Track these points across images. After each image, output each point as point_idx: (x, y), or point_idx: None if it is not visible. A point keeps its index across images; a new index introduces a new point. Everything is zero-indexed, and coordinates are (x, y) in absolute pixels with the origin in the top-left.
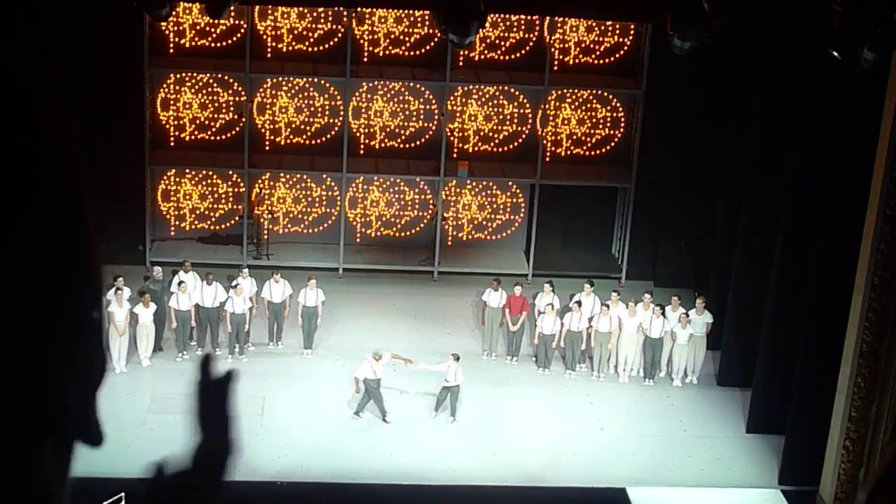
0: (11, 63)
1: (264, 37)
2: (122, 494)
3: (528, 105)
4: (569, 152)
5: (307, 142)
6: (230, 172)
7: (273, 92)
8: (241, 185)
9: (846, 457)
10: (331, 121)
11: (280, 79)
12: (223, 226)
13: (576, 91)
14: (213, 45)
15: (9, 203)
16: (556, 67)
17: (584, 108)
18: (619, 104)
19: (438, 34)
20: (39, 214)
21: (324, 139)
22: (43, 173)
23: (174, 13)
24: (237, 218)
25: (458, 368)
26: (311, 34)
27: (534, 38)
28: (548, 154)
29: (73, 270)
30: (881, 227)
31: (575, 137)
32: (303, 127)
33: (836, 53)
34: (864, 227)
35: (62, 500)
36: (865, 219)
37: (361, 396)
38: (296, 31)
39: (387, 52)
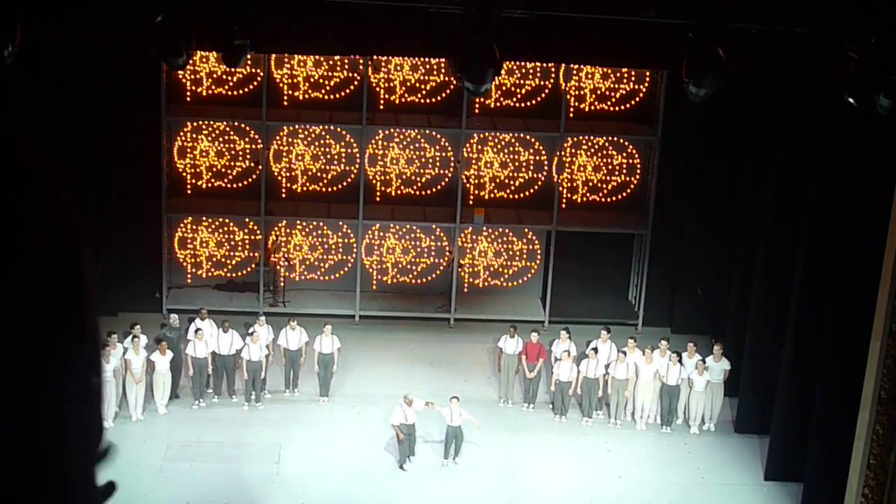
0: (12, 132)
1: (281, 85)
2: None
3: (543, 152)
4: (585, 199)
5: (323, 189)
6: (247, 220)
7: (289, 139)
8: (258, 232)
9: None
10: (347, 168)
11: (296, 126)
12: (240, 273)
13: (591, 138)
14: (229, 93)
15: (8, 271)
16: (571, 114)
17: (599, 154)
18: (634, 151)
19: (454, 82)
20: (39, 280)
21: (340, 186)
22: (43, 240)
23: (191, 62)
24: (254, 265)
25: (459, 409)
26: (327, 82)
27: (549, 86)
28: (564, 200)
29: (71, 335)
30: None
31: (591, 184)
32: (319, 174)
33: (851, 100)
34: (882, 273)
35: None
36: (883, 265)
37: (399, 445)
38: (312, 79)
39: (403, 100)
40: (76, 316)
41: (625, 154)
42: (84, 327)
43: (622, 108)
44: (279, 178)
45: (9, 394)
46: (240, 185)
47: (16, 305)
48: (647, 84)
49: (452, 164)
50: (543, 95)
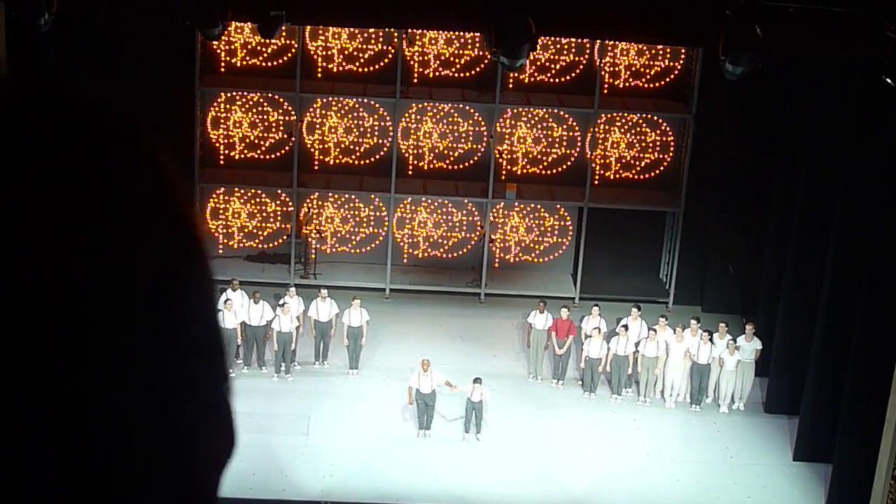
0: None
1: (315, 57)
2: None
3: (577, 128)
4: (618, 176)
5: (356, 162)
6: (279, 191)
7: (323, 112)
8: (290, 204)
9: (894, 487)
10: (380, 141)
11: (330, 99)
12: (271, 244)
13: (625, 114)
14: (264, 64)
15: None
16: (606, 91)
17: (633, 131)
18: (668, 128)
19: (489, 56)
20: (186, 295)
21: (373, 159)
22: (189, 259)
23: (226, 32)
24: (285, 237)
25: (482, 390)
26: (361, 55)
27: (584, 62)
28: (596, 177)
29: (211, 344)
30: None
31: (624, 161)
32: (352, 147)
33: (889, 80)
34: None
35: None
36: None
37: (418, 412)
38: (346, 52)
39: (437, 74)
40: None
41: (658, 131)
42: (218, 332)
43: (657, 85)
44: (312, 150)
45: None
46: (272, 156)
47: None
48: (682, 61)
49: (485, 138)
50: (578, 71)
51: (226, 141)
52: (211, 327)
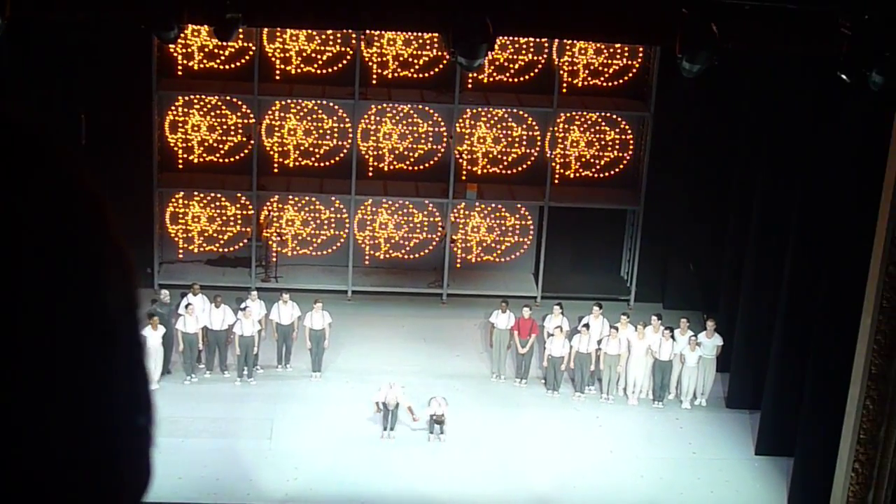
0: (19, 110)
1: (273, 59)
2: None
3: (536, 127)
4: (578, 174)
5: (316, 164)
6: (239, 195)
7: (282, 114)
8: (250, 207)
9: (855, 479)
10: (339, 143)
11: (289, 101)
12: (232, 248)
13: (584, 113)
14: (221, 67)
15: (74, 308)
16: (564, 90)
17: (592, 130)
18: (627, 126)
19: (447, 56)
20: (103, 317)
21: (332, 161)
22: (106, 273)
23: (182, 35)
24: (246, 240)
25: (442, 403)
26: (319, 56)
27: (543, 61)
28: (557, 176)
29: (127, 372)
30: (890, 249)
31: (584, 160)
32: (311, 149)
33: (844, 77)
34: (873, 250)
35: None
36: (874, 241)
37: (383, 414)
38: (304, 54)
39: (395, 75)
40: (122, 288)
41: (618, 130)
42: (130, 300)
43: (615, 83)
44: (271, 152)
45: (51, 372)
46: (232, 159)
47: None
48: (640, 60)
49: (445, 139)
50: (536, 71)
51: (184, 145)
52: (135, 357)
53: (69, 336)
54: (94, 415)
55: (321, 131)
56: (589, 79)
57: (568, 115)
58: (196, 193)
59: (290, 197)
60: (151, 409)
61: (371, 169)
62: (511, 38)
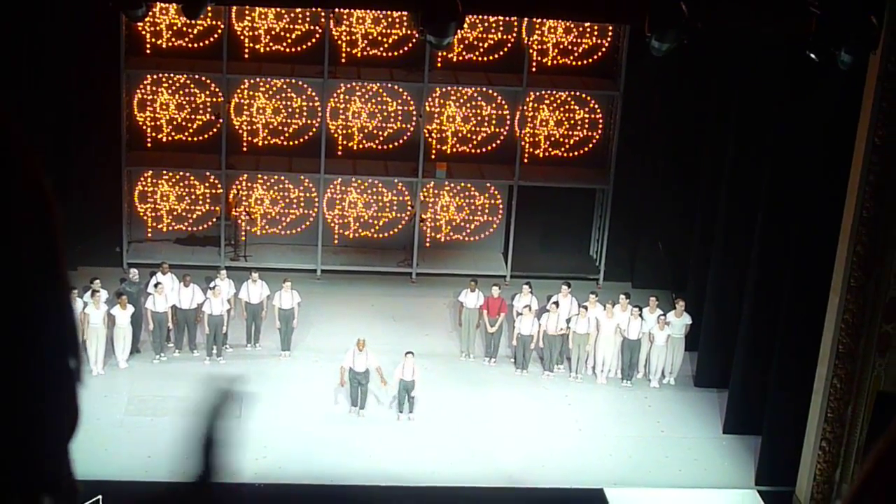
0: None
1: (241, 37)
2: (99, 497)
3: (506, 106)
4: (547, 154)
5: (285, 143)
6: (207, 174)
7: (250, 93)
8: (219, 186)
9: (822, 457)
10: (308, 122)
11: (257, 80)
12: (201, 227)
13: (554, 92)
14: (190, 45)
15: None
16: (534, 69)
17: (562, 109)
18: (596, 105)
19: (416, 35)
20: (12, 258)
21: (301, 140)
22: (17, 215)
23: (150, 13)
24: (215, 219)
25: (413, 364)
26: (288, 35)
27: (512, 40)
28: (526, 155)
29: (47, 313)
30: (858, 228)
31: (553, 139)
32: (280, 128)
33: (813, 56)
34: (841, 229)
35: None
36: (842, 221)
37: (350, 390)
38: (273, 32)
39: (365, 53)
40: (48, 264)
41: (587, 109)
42: (56, 274)
43: (584, 62)
44: (240, 131)
45: None
46: (201, 138)
47: None
48: (609, 39)
49: (414, 118)
50: (506, 49)
51: (153, 123)
52: (64, 313)
53: None
54: (23, 356)
55: (290, 110)
56: (558, 57)
57: (537, 93)
58: (165, 172)
59: (259, 176)
60: (79, 352)
61: (340, 148)
62: (480, 16)
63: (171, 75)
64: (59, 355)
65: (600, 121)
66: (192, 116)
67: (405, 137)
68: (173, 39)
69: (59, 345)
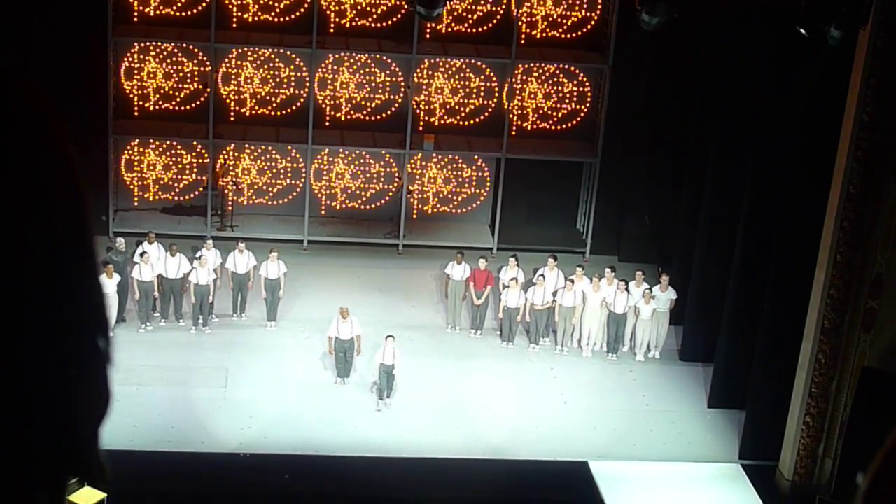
0: (11, 65)
1: (230, 6)
2: None
3: (494, 79)
4: (535, 126)
5: (272, 113)
6: (194, 143)
7: (238, 62)
8: (206, 155)
9: (806, 432)
10: (296, 92)
11: (245, 49)
12: (187, 196)
13: (542, 65)
14: (178, 14)
15: (8, 213)
16: (523, 41)
17: (550, 82)
18: (585, 79)
19: (405, 6)
20: (41, 224)
21: (289, 110)
22: (44, 181)
23: None
24: (201, 189)
25: (394, 348)
26: (277, 4)
27: (501, 12)
28: (514, 128)
29: (77, 291)
30: (844, 204)
31: (541, 112)
32: (268, 98)
33: (803, 31)
34: (828, 205)
35: None
36: (829, 197)
37: (336, 360)
38: (261, 1)
39: (353, 24)
40: (77, 236)
41: (575, 82)
42: (86, 248)
43: (574, 35)
44: (228, 101)
45: (10, 354)
46: (188, 107)
47: (15, 237)
48: (598, 12)
49: (403, 89)
50: (495, 21)
51: (140, 92)
52: (94, 292)
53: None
54: (55, 334)
55: (278, 80)
56: (547, 30)
57: (526, 66)
58: (152, 141)
59: (247, 146)
60: (109, 331)
61: (328, 118)
62: None
63: (159, 44)
64: (90, 334)
65: (589, 94)
66: (180, 85)
67: (393, 109)
68: (161, 7)
69: (88, 323)
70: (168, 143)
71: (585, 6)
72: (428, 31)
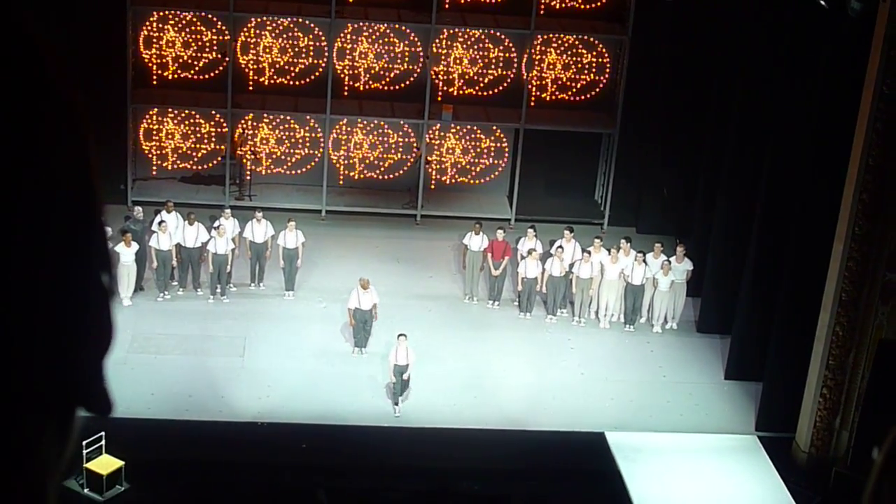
0: (11, 6)
1: None
2: (103, 433)
3: (513, 49)
4: (554, 97)
5: (291, 82)
6: (213, 112)
7: (257, 31)
8: (224, 125)
9: (823, 404)
10: (315, 62)
11: (264, 18)
12: (206, 166)
13: (562, 36)
14: None
15: (11, 156)
16: (542, 11)
17: (569, 53)
18: (604, 50)
19: None
20: (43, 167)
21: (308, 80)
22: (46, 122)
23: None
24: (220, 158)
25: (406, 347)
26: None
27: None
28: (532, 99)
29: (79, 227)
30: (863, 176)
31: (560, 82)
32: (287, 67)
33: (823, 3)
34: (847, 177)
35: (59, 473)
36: (848, 168)
37: (354, 330)
38: None
39: None
40: (84, 200)
41: (594, 53)
42: (93, 209)
43: (593, 6)
44: (246, 70)
45: (13, 292)
46: (206, 76)
47: (18, 179)
48: None
49: (421, 59)
50: None
51: (158, 61)
52: (97, 230)
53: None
54: (62, 268)
55: (297, 49)
56: (567, 0)
57: (545, 37)
58: (170, 110)
59: (265, 115)
60: (112, 268)
61: (346, 88)
62: None
63: (178, 12)
64: (94, 269)
65: (608, 65)
66: (199, 54)
67: (412, 79)
68: None
69: (92, 258)
70: (186, 112)
71: None
72: (447, 1)
